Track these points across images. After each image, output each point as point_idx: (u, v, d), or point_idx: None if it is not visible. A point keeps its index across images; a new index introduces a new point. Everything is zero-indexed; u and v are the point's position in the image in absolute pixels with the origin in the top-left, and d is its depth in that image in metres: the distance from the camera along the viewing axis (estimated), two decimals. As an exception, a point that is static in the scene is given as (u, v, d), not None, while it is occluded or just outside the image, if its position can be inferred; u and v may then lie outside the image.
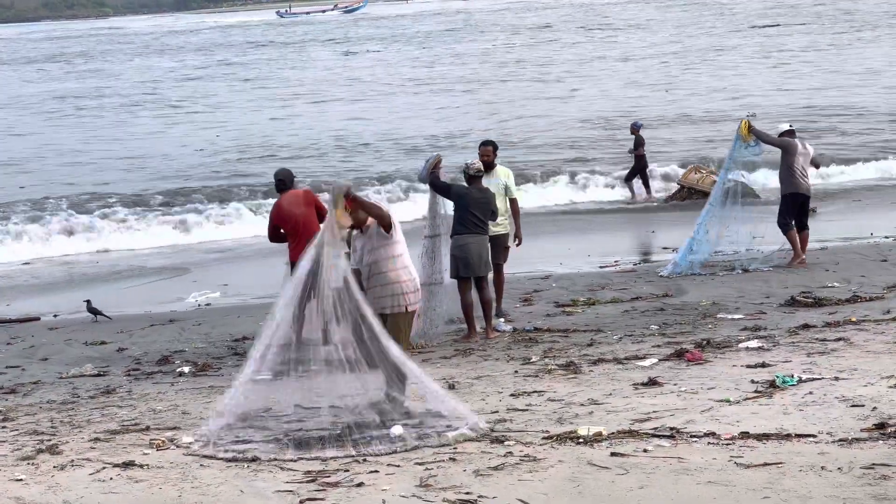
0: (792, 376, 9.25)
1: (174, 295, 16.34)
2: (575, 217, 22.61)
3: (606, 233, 20.99)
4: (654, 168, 24.80)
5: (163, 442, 8.32)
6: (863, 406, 8.33)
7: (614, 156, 27.15)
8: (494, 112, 37.76)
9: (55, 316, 15.12)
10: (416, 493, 7.01)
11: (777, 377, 9.24)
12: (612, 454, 7.51)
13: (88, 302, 14.63)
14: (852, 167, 25.87)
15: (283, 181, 12.47)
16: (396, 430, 8.24)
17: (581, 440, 7.84)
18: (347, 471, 7.51)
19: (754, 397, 8.79)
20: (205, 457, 7.96)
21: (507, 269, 13.44)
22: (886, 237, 17.47)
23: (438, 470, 7.40)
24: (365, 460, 7.73)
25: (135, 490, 7.32)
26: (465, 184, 12.34)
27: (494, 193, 12.53)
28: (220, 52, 72.97)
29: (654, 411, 8.52)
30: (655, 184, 24.17)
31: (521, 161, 26.37)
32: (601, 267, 16.46)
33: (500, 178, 13.00)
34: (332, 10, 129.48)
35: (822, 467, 7.06)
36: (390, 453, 7.84)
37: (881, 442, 7.51)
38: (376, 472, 7.45)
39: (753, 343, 10.79)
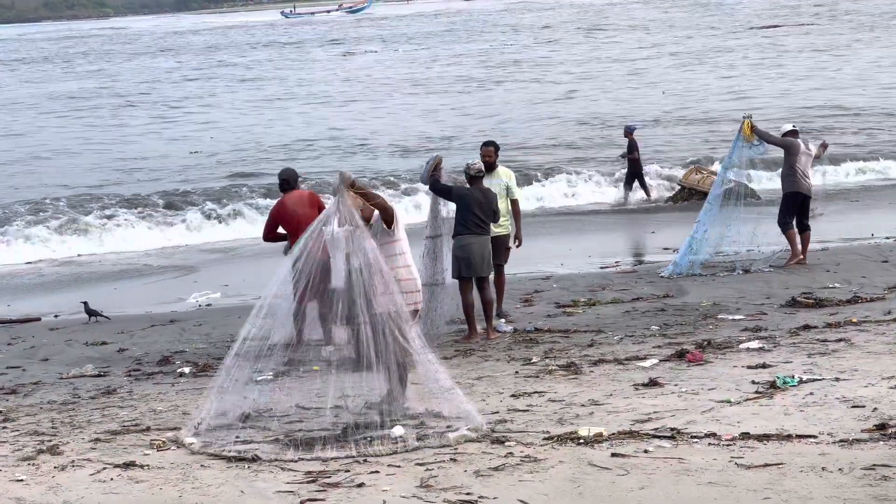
0: (793, 377, 9.25)
1: (175, 295, 16.34)
2: (575, 218, 22.60)
3: (606, 233, 20.99)
4: (657, 169, 24.80)
5: (163, 442, 8.32)
6: (863, 407, 8.33)
7: (613, 156, 27.13)
8: (494, 113, 37.75)
9: (56, 316, 15.12)
10: (416, 493, 7.01)
11: (778, 378, 9.24)
12: (613, 455, 7.51)
13: (86, 303, 14.62)
14: (851, 168, 25.86)
15: (287, 180, 12.46)
16: (397, 430, 8.24)
17: (582, 441, 7.84)
18: (348, 471, 7.51)
19: (755, 398, 8.79)
20: (208, 455, 7.96)
21: (508, 269, 13.44)
22: (887, 238, 17.47)
23: (439, 470, 7.40)
24: (366, 461, 7.73)
25: (135, 491, 7.32)
26: (466, 184, 12.34)
27: (496, 194, 12.53)
28: (221, 53, 73.03)
29: (655, 412, 8.52)
30: (655, 184, 24.19)
31: (520, 162, 26.37)
32: (602, 268, 16.46)
33: (501, 179, 13.00)
34: (337, 10, 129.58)
35: (823, 468, 7.06)
36: (391, 454, 7.84)
37: (882, 443, 7.51)
38: (377, 472, 7.45)
39: (754, 344, 10.79)
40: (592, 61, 54.44)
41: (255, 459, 7.83)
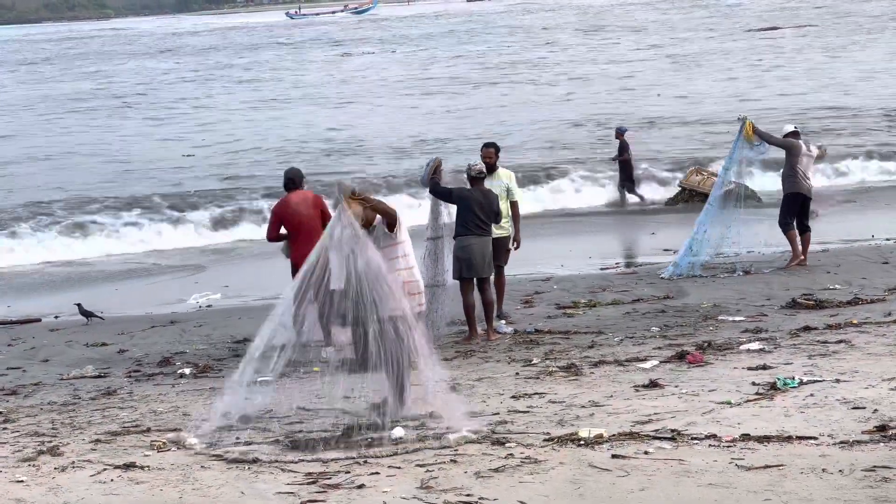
0: (793, 378, 9.25)
1: (175, 296, 16.35)
2: (574, 219, 22.60)
3: (606, 235, 21.00)
4: (653, 172, 24.84)
5: (164, 443, 8.32)
6: (864, 408, 8.33)
7: (611, 157, 27.13)
8: (491, 115, 37.72)
9: (56, 317, 15.12)
10: (416, 494, 7.01)
11: (778, 379, 9.24)
12: (613, 456, 7.51)
13: (80, 305, 14.60)
14: (848, 169, 25.87)
15: (293, 179, 12.46)
16: (398, 431, 8.24)
17: (582, 442, 7.84)
18: (348, 472, 7.51)
19: (755, 399, 8.79)
20: (211, 456, 7.96)
21: (508, 270, 13.44)
22: (888, 239, 17.47)
23: (439, 472, 7.40)
24: (366, 462, 7.73)
25: (135, 492, 7.32)
26: (467, 185, 12.34)
27: (497, 195, 12.53)
28: (220, 54, 73.03)
29: (655, 413, 8.52)
30: (654, 186, 24.24)
31: (518, 163, 26.34)
32: (602, 269, 16.46)
33: (502, 180, 12.99)
34: (342, 11, 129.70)
35: (823, 469, 7.06)
36: (391, 455, 7.84)
37: (882, 444, 7.51)
38: (377, 473, 7.45)
39: (754, 345, 10.79)
40: (589, 63, 54.44)
41: (255, 461, 7.83)
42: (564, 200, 24.56)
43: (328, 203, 12.31)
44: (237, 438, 8.33)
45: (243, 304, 15.45)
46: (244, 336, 12.98)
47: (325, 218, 12.05)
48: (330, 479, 7.40)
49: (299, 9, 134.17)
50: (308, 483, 7.34)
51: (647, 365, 10.25)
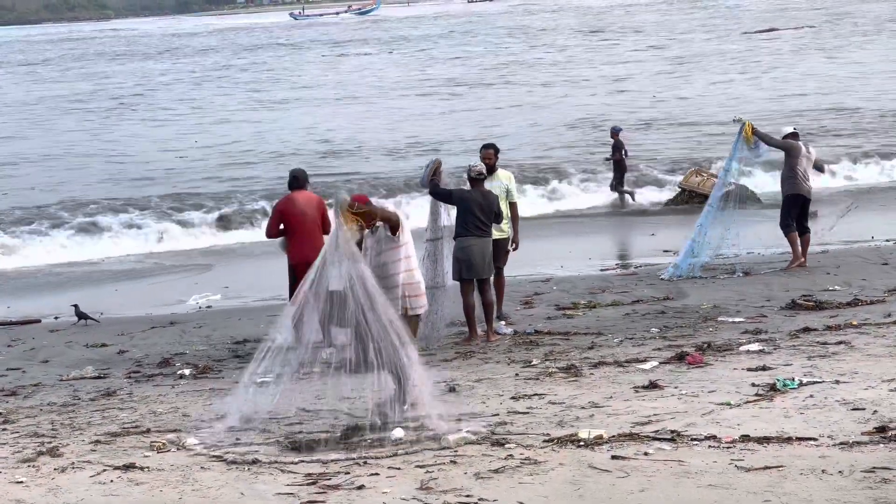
0: (793, 379, 9.25)
1: (175, 297, 16.35)
2: (574, 220, 22.61)
3: (606, 236, 21.01)
4: (653, 172, 24.86)
5: (163, 444, 8.32)
6: (863, 409, 8.33)
7: (611, 158, 27.15)
8: (489, 116, 37.74)
9: (56, 318, 15.12)
10: (416, 495, 7.01)
11: (778, 380, 9.24)
12: (613, 457, 7.52)
13: (76, 306, 14.60)
14: (847, 170, 25.87)
15: (298, 178, 12.49)
16: (397, 432, 8.24)
17: (582, 443, 7.84)
18: (348, 473, 7.51)
19: (755, 400, 8.79)
20: (210, 457, 7.96)
21: (508, 271, 13.44)
22: (887, 240, 17.47)
23: (439, 473, 7.40)
24: (365, 463, 7.73)
25: (135, 493, 7.32)
26: (467, 186, 12.34)
27: (497, 195, 12.53)
28: (218, 55, 73.03)
29: (655, 414, 8.52)
30: (653, 188, 24.25)
31: (518, 164, 26.36)
32: (602, 270, 16.46)
33: (501, 182, 13.00)
34: (346, 11, 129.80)
35: (823, 471, 7.06)
36: (391, 456, 7.84)
37: (882, 445, 7.51)
38: (377, 474, 7.45)
39: (754, 346, 10.79)
40: (587, 64, 54.44)
41: (254, 462, 7.83)
42: (564, 201, 24.56)
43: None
44: (237, 439, 8.33)
45: (243, 305, 15.46)
46: (244, 337, 12.99)
47: (325, 222, 12.06)
48: (329, 479, 7.40)
49: (303, 10, 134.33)
50: (308, 484, 7.34)
51: (647, 366, 10.25)
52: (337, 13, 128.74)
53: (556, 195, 24.88)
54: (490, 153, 13.07)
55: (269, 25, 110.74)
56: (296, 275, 11.77)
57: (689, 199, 22.46)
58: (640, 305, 13.56)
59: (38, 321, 14.99)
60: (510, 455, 7.68)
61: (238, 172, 28.92)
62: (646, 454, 7.54)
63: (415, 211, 21.36)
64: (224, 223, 22.89)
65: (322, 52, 71.32)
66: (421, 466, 7.56)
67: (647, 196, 24.16)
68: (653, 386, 9.41)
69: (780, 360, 10.17)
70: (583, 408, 8.87)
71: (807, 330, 11.49)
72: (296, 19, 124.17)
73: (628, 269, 16.44)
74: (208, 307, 15.52)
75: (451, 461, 7.64)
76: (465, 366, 10.95)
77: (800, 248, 15.43)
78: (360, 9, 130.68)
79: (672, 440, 7.81)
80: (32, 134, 39.00)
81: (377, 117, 39.10)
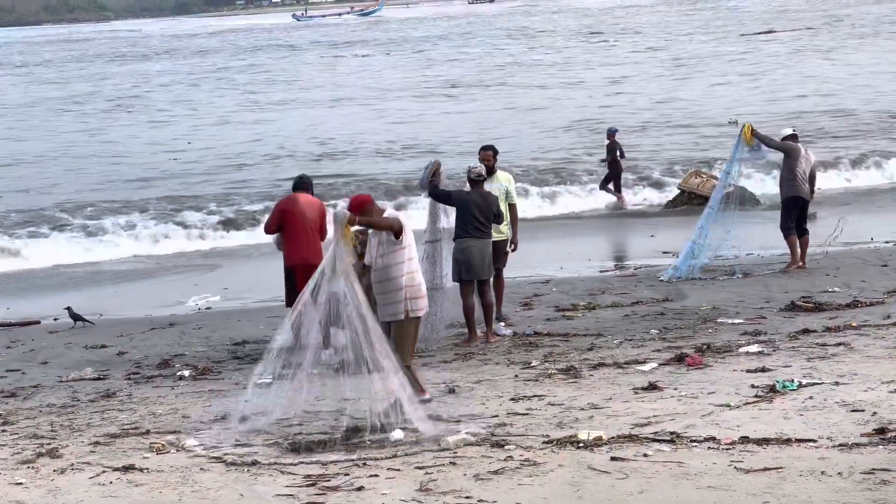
0: (792, 381, 9.25)
1: (174, 298, 16.34)
2: (573, 222, 22.60)
3: (605, 237, 21.01)
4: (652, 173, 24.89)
5: (163, 446, 8.32)
6: (863, 411, 8.33)
7: (601, 160, 27.17)
8: (487, 117, 37.72)
9: (55, 319, 15.11)
10: (416, 497, 7.01)
11: (777, 382, 9.24)
12: (613, 458, 7.52)
13: (69, 308, 14.59)
14: (846, 172, 25.89)
15: (303, 180, 12.52)
16: (397, 434, 8.24)
17: (581, 444, 7.85)
18: (347, 474, 7.51)
19: (754, 402, 8.80)
20: (210, 458, 7.96)
21: (508, 273, 13.43)
22: (887, 242, 17.47)
23: (438, 474, 7.40)
24: (365, 464, 7.73)
25: (135, 494, 7.33)
26: (466, 187, 12.34)
27: (497, 197, 12.53)
28: (217, 57, 73.01)
29: (655, 416, 8.52)
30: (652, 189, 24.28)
31: (517, 165, 26.36)
32: (601, 271, 16.46)
33: (501, 183, 12.98)
34: (349, 13, 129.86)
35: (823, 472, 7.06)
36: (390, 457, 7.84)
37: (881, 447, 7.51)
38: (376, 475, 7.45)
39: (754, 348, 10.79)
40: (586, 65, 54.44)
41: (254, 463, 7.83)
42: (563, 203, 24.55)
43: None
44: (237, 440, 8.33)
45: (242, 306, 15.45)
46: (243, 338, 12.99)
47: (324, 227, 12.05)
48: (329, 481, 7.40)
49: (305, 10, 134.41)
50: (307, 485, 7.34)
51: (647, 367, 10.25)
52: (339, 14, 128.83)
53: (556, 196, 24.88)
54: (489, 155, 13.06)
55: (270, 27, 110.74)
56: (293, 276, 11.78)
57: (689, 201, 22.47)
58: (639, 307, 13.55)
59: (38, 322, 14.98)
60: (510, 456, 7.68)
61: (236, 174, 28.90)
62: (645, 455, 7.54)
63: (413, 213, 21.39)
64: (224, 225, 22.88)
65: (321, 54, 71.32)
66: (420, 468, 7.56)
67: (647, 196, 24.20)
68: (652, 387, 9.41)
69: (779, 361, 10.17)
70: (582, 409, 8.87)
71: (806, 331, 11.49)
72: (298, 20, 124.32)
73: (627, 271, 16.44)
74: (208, 308, 15.52)
75: (451, 462, 7.64)
76: (464, 367, 10.95)
77: (798, 252, 15.42)
78: (362, 10, 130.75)
79: (671, 441, 7.81)
80: (30, 135, 38.98)
81: (375, 119, 39.09)
